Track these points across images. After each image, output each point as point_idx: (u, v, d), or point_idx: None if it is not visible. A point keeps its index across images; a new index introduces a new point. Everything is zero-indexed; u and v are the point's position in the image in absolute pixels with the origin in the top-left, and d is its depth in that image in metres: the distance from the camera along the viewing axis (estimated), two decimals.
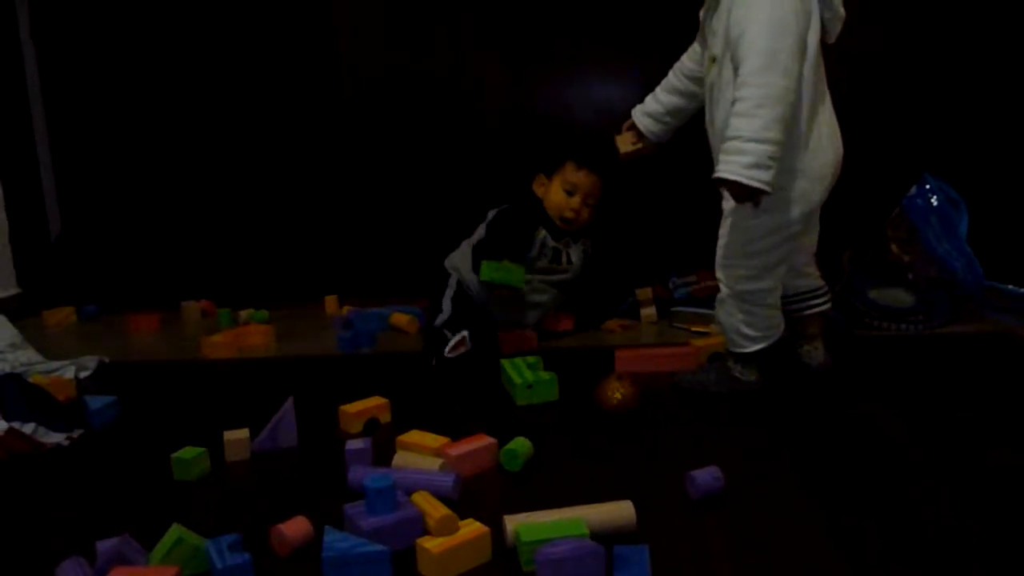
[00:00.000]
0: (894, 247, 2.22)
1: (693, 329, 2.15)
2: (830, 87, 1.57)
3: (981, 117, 2.53)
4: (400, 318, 2.30)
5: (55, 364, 1.93)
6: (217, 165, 2.79)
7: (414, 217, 2.76)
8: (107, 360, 2.02)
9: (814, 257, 1.74)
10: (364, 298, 2.55)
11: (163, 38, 2.73)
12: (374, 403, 1.53)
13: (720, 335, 1.79)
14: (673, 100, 1.75)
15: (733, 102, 1.41)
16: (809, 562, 0.99)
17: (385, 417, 1.54)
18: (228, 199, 2.81)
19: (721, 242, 1.59)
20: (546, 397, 1.62)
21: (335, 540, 1.00)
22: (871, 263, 2.25)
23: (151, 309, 2.53)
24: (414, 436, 1.34)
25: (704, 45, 1.61)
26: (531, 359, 1.71)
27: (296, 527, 1.07)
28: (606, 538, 1.01)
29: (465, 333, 1.93)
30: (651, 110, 1.78)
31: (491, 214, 2.11)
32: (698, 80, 1.69)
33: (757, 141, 1.36)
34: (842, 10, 1.50)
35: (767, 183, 1.38)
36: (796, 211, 1.52)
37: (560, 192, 2.07)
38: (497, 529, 1.05)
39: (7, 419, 1.47)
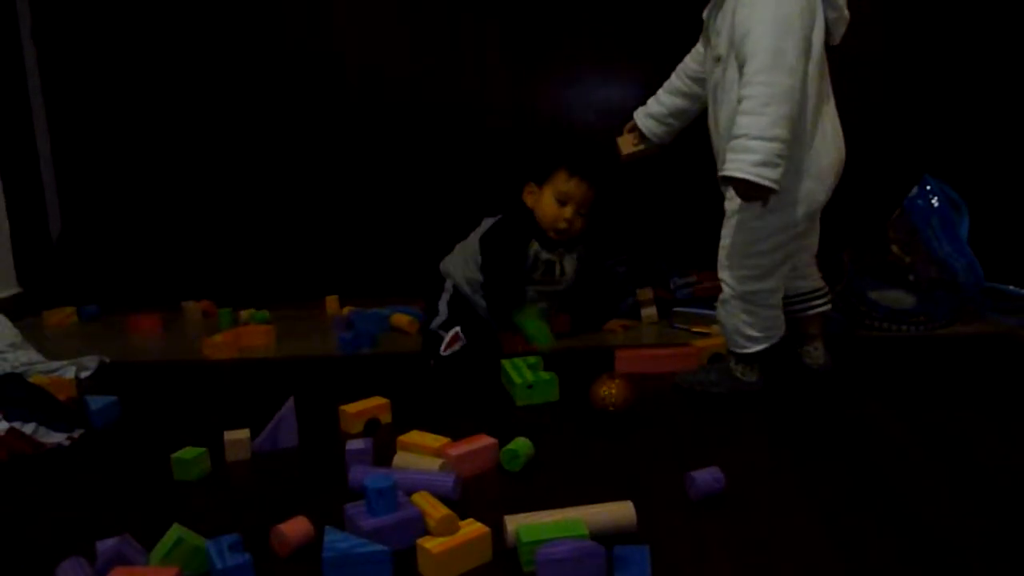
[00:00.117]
0: (895, 248, 2.22)
1: (694, 329, 2.15)
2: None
3: (982, 118, 2.53)
4: (401, 318, 2.30)
5: (55, 364, 1.93)
6: (218, 165, 2.80)
7: (415, 217, 2.77)
8: (108, 360, 2.02)
9: (814, 258, 1.74)
10: (365, 298, 2.55)
11: (164, 38, 2.73)
12: (375, 403, 1.53)
13: (721, 335, 1.79)
14: (676, 102, 1.75)
15: (739, 101, 1.41)
16: (809, 562, 0.99)
17: (386, 417, 1.54)
18: (229, 199, 2.81)
19: (724, 242, 1.59)
20: (546, 397, 1.62)
21: (335, 540, 1.00)
22: (872, 264, 2.25)
23: (152, 309, 2.53)
24: (414, 436, 1.34)
25: (708, 45, 1.61)
26: (531, 359, 1.71)
27: (296, 527, 1.07)
28: (606, 538, 1.01)
29: (457, 328, 1.93)
30: (653, 112, 1.78)
31: (485, 223, 2.08)
32: (701, 81, 1.69)
33: (765, 139, 1.36)
34: (847, 11, 1.50)
35: (775, 181, 1.38)
36: (801, 211, 1.52)
37: (552, 202, 2.00)
38: (497, 529, 1.05)
39: (8, 419, 1.47)
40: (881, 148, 2.52)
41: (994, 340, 1.97)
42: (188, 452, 1.32)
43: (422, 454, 1.29)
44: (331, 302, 2.57)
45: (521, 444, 1.31)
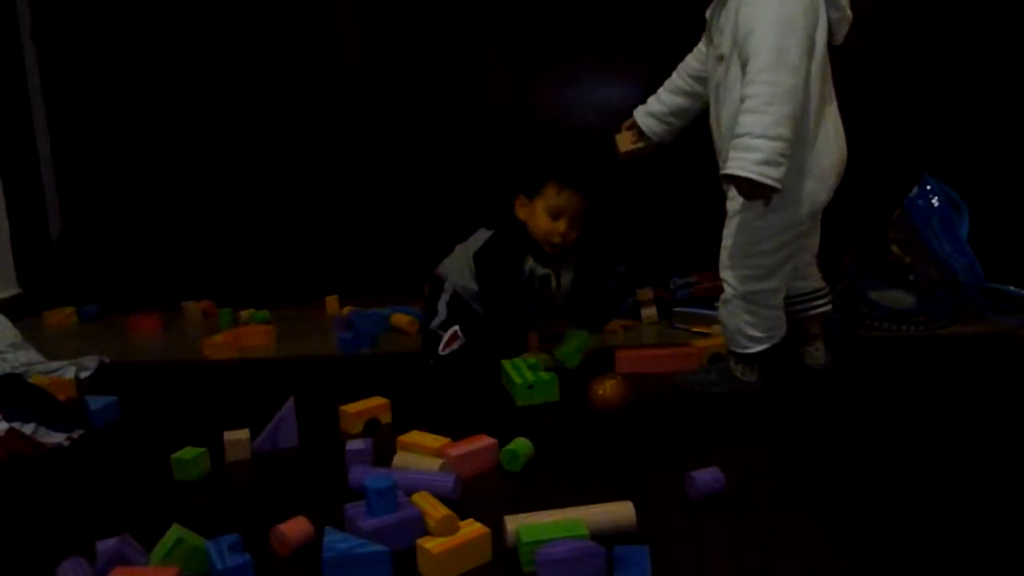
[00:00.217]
0: (895, 248, 2.22)
1: (694, 330, 2.15)
2: None
3: (982, 118, 2.53)
4: (401, 318, 2.30)
5: (55, 364, 1.93)
6: (218, 165, 2.80)
7: (415, 217, 2.77)
8: (107, 360, 2.02)
9: (815, 258, 1.74)
10: (365, 298, 2.55)
11: (164, 38, 2.73)
12: (375, 403, 1.53)
13: (720, 336, 1.79)
14: (677, 100, 1.75)
15: (742, 100, 1.41)
16: (809, 562, 0.99)
17: (386, 417, 1.54)
18: (229, 199, 2.81)
19: (726, 242, 1.58)
20: (546, 398, 1.62)
21: (335, 540, 1.00)
22: (872, 264, 2.25)
23: (152, 309, 2.53)
24: (414, 436, 1.34)
25: (710, 44, 1.60)
26: (531, 359, 1.71)
27: (296, 527, 1.07)
28: (606, 538, 1.01)
29: (456, 328, 1.92)
30: (654, 110, 1.77)
31: (480, 235, 2.01)
32: (703, 80, 1.69)
33: (768, 138, 1.36)
34: (849, 12, 1.50)
35: (777, 180, 1.38)
36: (803, 211, 1.52)
37: (544, 217, 1.89)
38: (497, 529, 1.05)
39: (7, 419, 1.47)
40: (881, 148, 2.52)
41: (994, 340, 1.97)
42: (188, 452, 1.32)
43: (422, 454, 1.29)
44: (331, 302, 2.57)
45: (521, 444, 1.31)
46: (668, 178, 2.60)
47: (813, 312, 1.73)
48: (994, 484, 1.18)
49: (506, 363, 1.71)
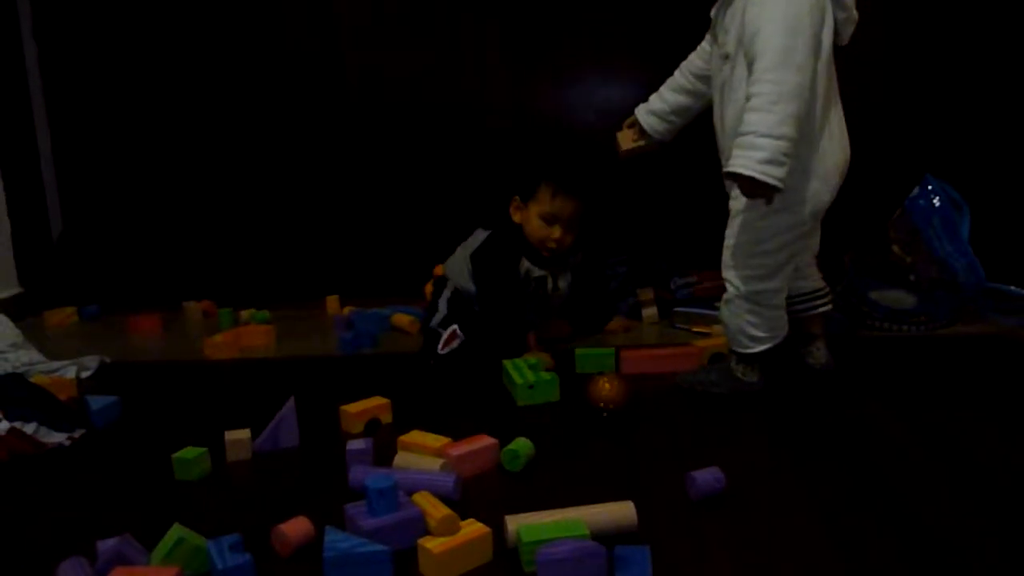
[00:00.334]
0: (896, 248, 2.22)
1: (695, 330, 2.15)
2: None
3: (983, 118, 2.53)
4: (401, 318, 2.30)
5: (56, 364, 1.93)
6: (219, 165, 2.80)
7: (416, 217, 2.77)
8: (108, 360, 2.02)
9: (815, 258, 1.75)
10: (365, 298, 2.55)
11: (165, 38, 2.73)
12: (375, 403, 1.53)
13: (721, 335, 1.79)
14: (679, 99, 1.75)
15: (747, 98, 1.41)
16: (809, 562, 0.99)
17: (386, 417, 1.54)
18: (230, 199, 2.81)
19: (729, 242, 1.58)
20: (547, 398, 1.62)
21: (336, 540, 1.00)
22: (873, 264, 2.24)
23: (152, 309, 2.53)
24: (415, 436, 1.34)
25: (715, 43, 1.60)
26: (532, 359, 1.72)
27: (297, 527, 1.07)
28: (607, 538, 1.01)
29: (455, 326, 1.92)
30: (656, 108, 1.77)
31: (478, 235, 2.01)
32: (705, 79, 1.69)
33: (772, 137, 1.36)
34: (855, 12, 1.50)
35: (780, 180, 1.38)
36: (806, 211, 1.53)
37: (539, 222, 1.89)
38: (498, 529, 1.05)
39: (9, 419, 1.48)
40: (882, 148, 2.52)
41: (995, 340, 1.97)
42: (189, 452, 1.32)
43: (423, 454, 1.29)
44: (331, 302, 2.57)
45: (522, 444, 1.31)
46: (668, 178, 2.60)
47: (814, 312, 1.73)
48: (994, 484, 1.18)
49: (507, 363, 1.71)
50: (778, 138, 1.36)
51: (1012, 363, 1.79)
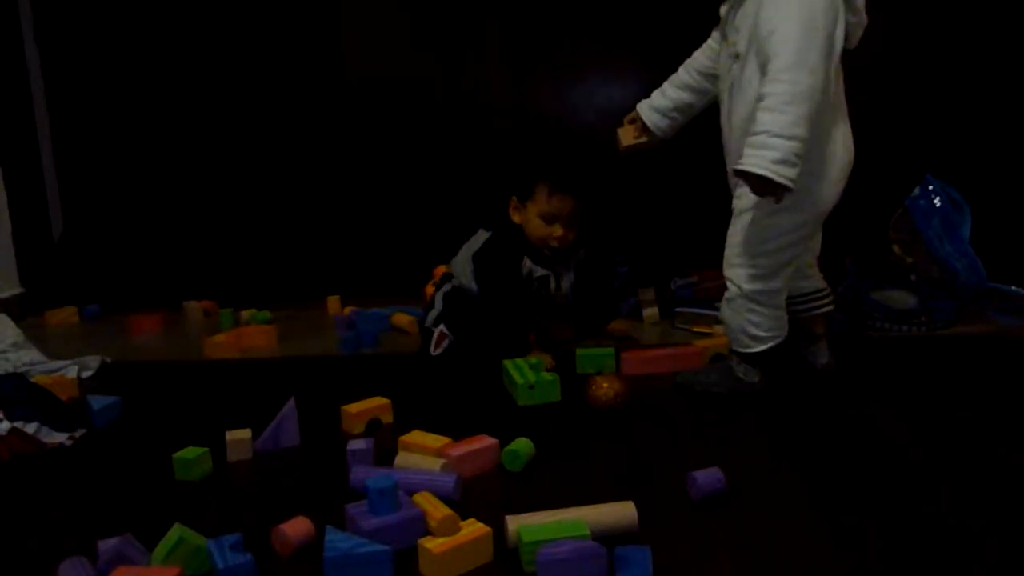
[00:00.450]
0: (896, 248, 2.22)
1: (695, 330, 2.15)
2: None
3: (984, 118, 2.53)
4: (402, 318, 2.30)
5: (58, 364, 1.93)
6: (220, 165, 2.80)
7: (416, 218, 2.77)
8: (109, 360, 2.02)
9: (816, 259, 1.75)
10: (366, 298, 2.55)
11: (166, 39, 2.73)
12: (376, 403, 1.53)
13: (722, 336, 1.79)
14: (683, 96, 1.74)
15: (760, 98, 1.41)
16: (811, 563, 0.99)
17: (387, 417, 1.54)
18: (231, 199, 2.81)
19: (732, 240, 1.58)
20: (548, 398, 1.62)
21: (337, 540, 1.00)
22: (874, 264, 2.24)
23: (153, 309, 2.54)
24: (416, 436, 1.35)
25: (724, 41, 1.60)
26: (533, 360, 1.72)
27: (298, 527, 1.07)
28: (608, 539, 1.01)
29: (441, 326, 1.92)
30: (658, 105, 1.76)
31: (480, 235, 1.99)
32: (711, 77, 1.68)
33: (785, 137, 1.36)
34: (865, 16, 1.50)
35: (791, 180, 1.38)
36: (812, 212, 1.53)
37: (538, 222, 1.88)
38: (498, 529, 1.05)
39: (10, 419, 1.48)
40: (883, 148, 2.52)
41: (995, 340, 1.97)
42: (190, 452, 1.32)
43: (423, 454, 1.30)
44: (332, 302, 2.57)
45: (522, 444, 1.31)
46: (669, 178, 2.60)
47: (816, 312, 1.73)
48: (994, 484, 1.18)
49: (507, 363, 1.71)
50: (791, 138, 1.37)
51: (1012, 363, 1.78)
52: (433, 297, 2.03)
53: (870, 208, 2.31)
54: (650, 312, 2.29)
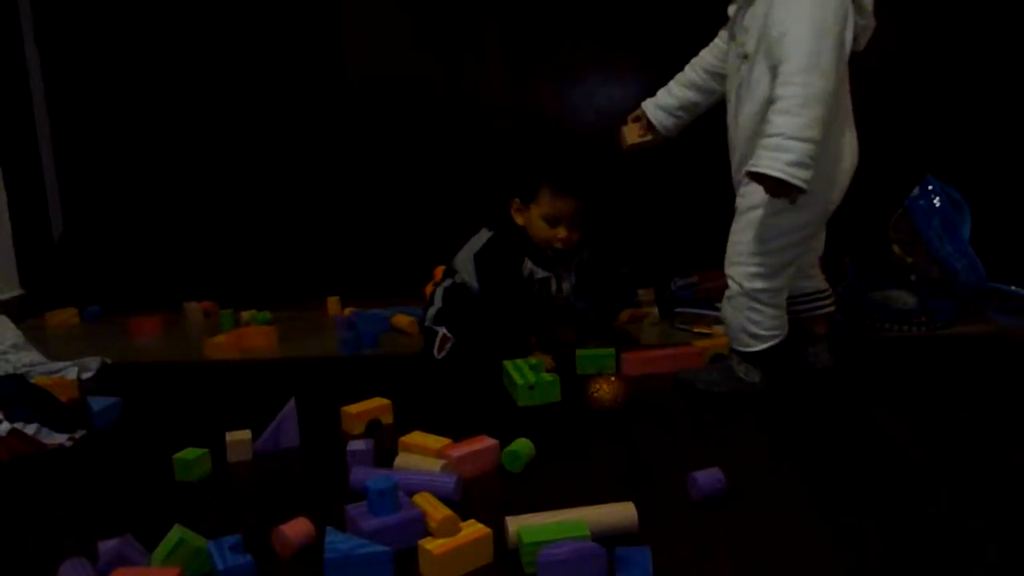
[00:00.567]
0: (896, 248, 2.22)
1: (695, 330, 2.15)
2: None
3: (984, 118, 2.53)
4: (402, 319, 2.30)
5: (58, 365, 1.93)
6: (220, 166, 2.80)
7: (416, 218, 2.77)
8: (109, 361, 2.02)
9: (819, 259, 1.75)
10: (366, 299, 2.55)
11: (166, 41, 2.73)
12: (376, 404, 1.53)
13: (723, 336, 1.79)
14: (689, 95, 1.74)
15: (774, 100, 1.41)
16: (811, 563, 0.99)
17: (387, 418, 1.54)
18: (231, 200, 2.81)
19: (735, 238, 1.59)
20: (548, 399, 1.62)
21: (337, 541, 1.00)
22: (873, 264, 2.25)
23: (153, 310, 2.54)
24: (416, 437, 1.35)
25: (732, 41, 1.60)
26: (533, 360, 1.72)
27: (298, 528, 1.07)
28: (608, 539, 1.01)
29: (443, 330, 1.92)
30: (664, 104, 1.76)
31: (482, 235, 1.97)
32: (717, 76, 1.68)
33: (800, 140, 1.37)
34: (873, 19, 1.50)
35: (805, 182, 1.39)
36: (816, 211, 1.54)
37: (542, 224, 1.86)
38: (499, 530, 1.05)
39: (10, 420, 1.48)
40: (883, 148, 2.51)
41: (995, 340, 1.97)
42: (190, 453, 1.32)
43: (423, 455, 1.29)
44: (332, 303, 2.57)
45: (522, 445, 1.31)
46: (669, 178, 2.60)
47: (817, 313, 1.73)
48: (994, 484, 1.18)
49: (507, 364, 1.71)
50: (806, 141, 1.37)
51: (1012, 363, 1.78)
52: (433, 294, 2.02)
53: (870, 208, 2.32)
54: (650, 313, 2.29)
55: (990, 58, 2.50)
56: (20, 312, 2.54)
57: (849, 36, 1.46)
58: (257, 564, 1.01)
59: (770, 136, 1.39)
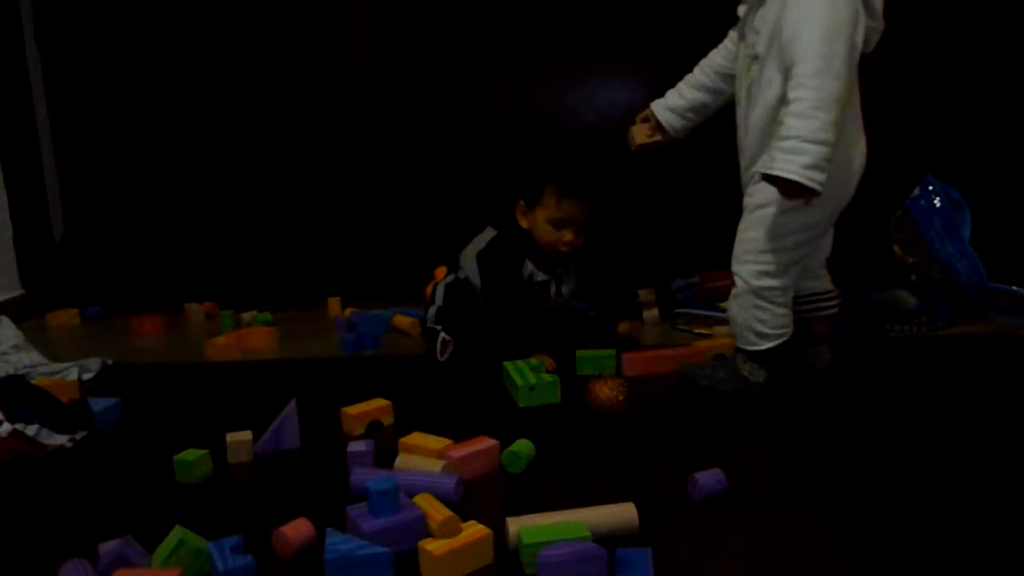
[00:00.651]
0: (897, 249, 2.22)
1: (696, 331, 2.15)
2: None
3: (984, 119, 2.53)
4: (403, 320, 2.30)
5: (58, 366, 1.93)
6: (221, 167, 2.80)
7: (417, 219, 2.77)
8: (110, 362, 2.02)
9: (826, 260, 1.75)
10: (367, 300, 2.55)
11: (167, 41, 2.73)
12: (376, 405, 1.53)
13: (722, 336, 1.79)
14: (699, 96, 1.74)
15: (788, 102, 1.41)
16: (812, 564, 0.99)
17: (387, 419, 1.54)
18: (232, 201, 2.82)
19: (743, 236, 1.59)
20: (548, 399, 1.62)
21: (337, 542, 1.00)
22: (874, 265, 2.24)
23: (154, 311, 2.54)
24: (416, 438, 1.34)
25: (742, 42, 1.60)
26: (534, 361, 1.72)
27: (298, 529, 1.07)
28: (608, 540, 1.01)
29: (442, 334, 1.92)
30: (674, 105, 1.76)
31: (488, 233, 1.97)
32: (727, 77, 1.68)
33: (816, 142, 1.37)
34: (883, 21, 1.50)
35: (821, 184, 1.39)
36: (825, 211, 1.54)
37: (547, 227, 1.85)
38: (499, 531, 1.05)
39: (11, 420, 1.48)
40: (884, 149, 2.51)
41: (996, 341, 1.97)
42: (190, 454, 1.32)
43: (424, 456, 1.29)
44: (333, 304, 2.57)
45: (523, 446, 1.31)
46: (670, 179, 2.60)
47: (821, 313, 1.73)
48: (994, 484, 1.18)
49: (508, 365, 1.71)
50: (820, 143, 1.37)
51: (1013, 363, 1.78)
52: (434, 292, 2.02)
53: (870, 208, 2.31)
54: (651, 313, 2.29)
55: (990, 58, 2.50)
56: (21, 313, 2.55)
57: (860, 38, 1.46)
58: (257, 565, 1.01)
59: (785, 139, 1.39)
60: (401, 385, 1.75)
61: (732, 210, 1.65)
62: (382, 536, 1.03)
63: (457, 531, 1.03)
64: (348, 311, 2.44)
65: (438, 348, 1.91)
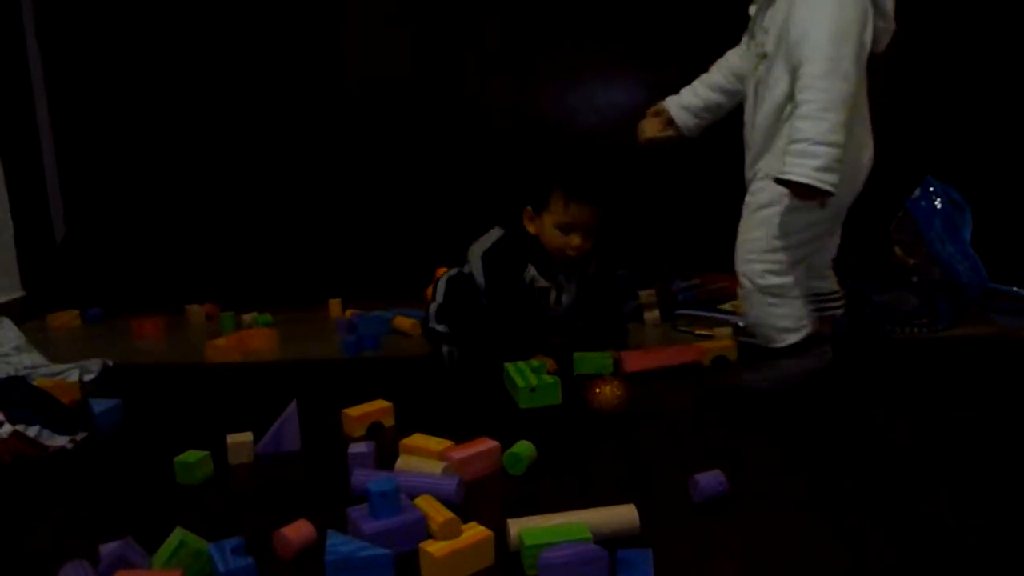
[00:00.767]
0: (898, 250, 2.22)
1: (697, 332, 2.15)
2: None
3: (985, 119, 2.53)
4: (404, 321, 2.30)
5: (59, 367, 1.94)
6: (222, 168, 2.80)
7: (417, 220, 2.77)
8: (111, 363, 2.02)
9: (832, 261, 1.75)
10: (367, 301, 2.56)
11: (168, 41, 2.74)
12: (377, 406, 1.53)
13: (724, 338, 1.79)
14: (714, 97, 1.74)
15: (796, 105, 1.41)
16: (812, 564, 0.99)
17: (388, 420, 1.54)
18: (233, 203, 2.82)
19: (745, 236, 1.59)
20: (549, 401, 1.62)
21: (338, 543, 1.00)
22: (875, 266, 2.24)
23: (155, 312, 2.54)
24: (417, 439, 1.34)
25: (751, 41, 1.60)
26: (535, 362, 1.72)
27: (299, 530, 1.07)
28: (609, 542, 1.01)
29: (445, 349, 1.92)
30: (689, 104, 1.75)
31: (493, 234, 1.94)
32: (743, 78, 1.68)
33: (826, 144, 1.38)
34: (894, 22, 1.51)
35: (833, 185, 1.40)
36: (829, 210, 1.55)
37: (555, 232, 1.82)
38: (500, 533, 1.05)
39: (11, 421, 1.48)
40: (884, 149, 2.51)
41: (996, 341, 1.97)
42: (191, 455, 1.32)
43: (425, 457, 1.29)
44: (334, 305, 2.57)
45: (524, 447, 1.31)
46: (670, 179, 2.60)
47: (827, 313, 1.73)
48: (994, 484, 1.18)
49: (509, 366, 1.71)
50: (831, 145, 1.38)
51: (1013, 364, 1.78)
52: (435, 288, 2.00)
53: (871, 209, 2.31)
54: (651, 315, 2.29)
55: (990, 59, 2.50)
56: (22, 314, 2.55)
57: (868, 38, 1.46)
58: (258, 566, 1.01)
59: (796, 142, 1.40)
60: (402, 386, 1.75)
61: (733, 212, 1.65)
62: (383, 537, 1.03)
63: (458, 533, 1.03)
64: (349, 312, 2.44)
65: (445, 357, 1.91)
